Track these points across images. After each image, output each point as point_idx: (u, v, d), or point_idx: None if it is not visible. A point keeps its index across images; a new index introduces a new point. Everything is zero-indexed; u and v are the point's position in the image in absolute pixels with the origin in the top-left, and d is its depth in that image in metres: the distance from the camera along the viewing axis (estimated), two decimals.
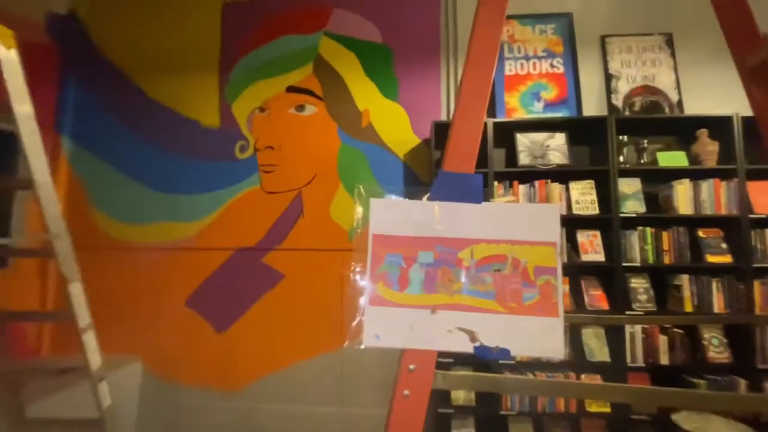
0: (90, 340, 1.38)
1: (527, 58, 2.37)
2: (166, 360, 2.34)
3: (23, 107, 1.24)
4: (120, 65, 2.63)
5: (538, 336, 0.43)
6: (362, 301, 0.47)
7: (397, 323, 0.45)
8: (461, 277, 0.45)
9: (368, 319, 0.46)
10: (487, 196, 1.98)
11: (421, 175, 2.37)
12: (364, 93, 2.45)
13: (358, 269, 0.48)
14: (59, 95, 2.59)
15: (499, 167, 2.22)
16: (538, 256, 0.46)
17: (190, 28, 2.62)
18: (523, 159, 2.14)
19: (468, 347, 0.44)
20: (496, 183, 2.06)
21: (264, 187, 2.45)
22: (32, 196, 1.26)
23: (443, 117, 2.39)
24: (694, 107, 2.23)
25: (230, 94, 2.54)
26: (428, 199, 0.48)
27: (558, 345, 0.44)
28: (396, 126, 2.41)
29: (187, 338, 2.35)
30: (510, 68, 2.36)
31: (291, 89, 2.50)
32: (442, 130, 2.17)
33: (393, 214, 0.47)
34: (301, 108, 2.48)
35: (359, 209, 0.49)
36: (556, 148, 2.15)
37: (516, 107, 2.32)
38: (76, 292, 1.34)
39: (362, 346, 0.46)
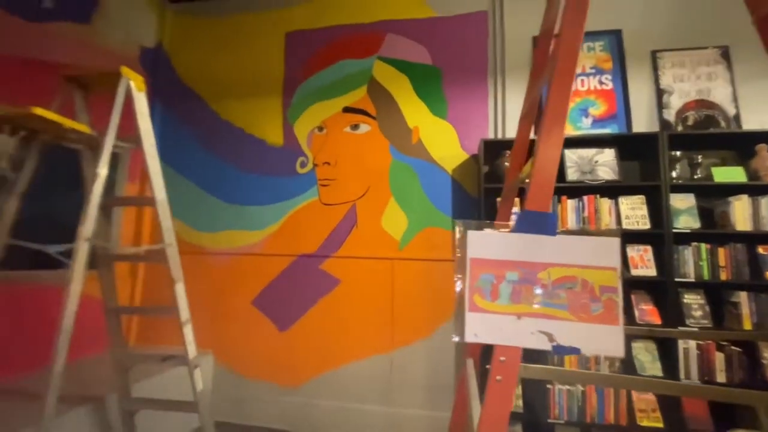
0: (188, 332, 1.62)
1: (575, 75, 2.43)
2: (234, 354, 2.61)
3: (149, 139, 1.50)
4: (197, 90, 2.98)
5: (602, 339, 0.56)
6: (464, 306, 0.61)
7: (490, 325, 0.59)
8: (540, 292, 0.59)
9: (468, 321, 0.60)
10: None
11: (469, 188, 2.49)
12: (415, 112, 2.62)
13: (458, 283, 0.63)
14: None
15: None
16: (602, 278, 0.58)
17: (257, 56, 2.92)
18: (572, 174, 2.20)
19: (547, 345, 0.58)
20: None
21: (322, 200, 2.68)
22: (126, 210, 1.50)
23: (490, 134, 2.50)
24: (752, 121, 2.20)
25: (292, 115, 2.80)
26: (512, 231, 0.61)
27: (618, 346, 0.56)
28: (445, 142, 2.56)
29: (253, 335, 2.61)
30: None
31: (347, 110, 2.72)
32: (489, 147, 2.29)
33: (486, 243, 0.61)
34: (355, 127, 2.69)
35: (457, 237, 0.64)
36: (604, 163, 2.20)
37: None
38: (180, 291, 1.59)
39: (465, 341, 0.60)
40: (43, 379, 1.09)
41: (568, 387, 2.03)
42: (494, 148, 2.30)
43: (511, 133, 2.45)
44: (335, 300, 2.56)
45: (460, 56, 2.61)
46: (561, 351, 0.57)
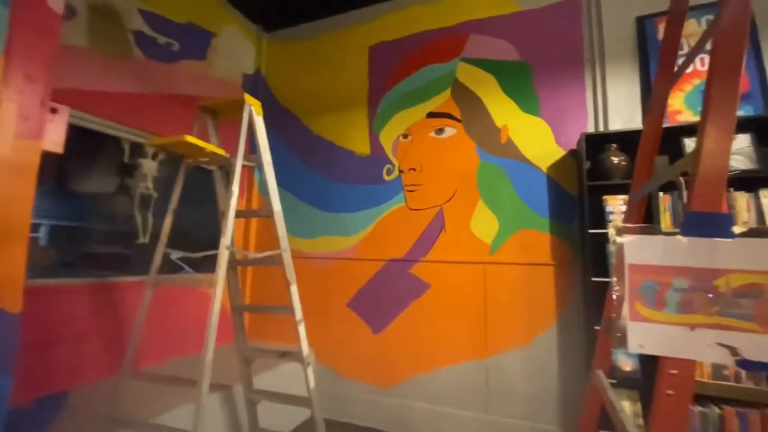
0: (302, 330, 1.76)
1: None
2: (332, 353, 2.77)
3: (267, 157, 1.69)
4: (291, 108, 3.25)
5: None
6: (623, 315, 0.57)
7: (658, 336, 0.55)
8: (718, 301, 0.53)
9: (632, 331, 0.56)
10: (652, 208, 1.86)
11: (567, 186, 2.33)
12: (503, 110, 2.54)
13: (615, 289, 0.60)
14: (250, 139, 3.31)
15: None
16: None
17: (343, 72, 3.09)
18: None
19: (728, 360, 0.51)
20: (661, 194, 1.92)
21: (408, 205, 2.73)
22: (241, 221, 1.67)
23: (591, 128, 2.32)
24: None
25: (377, 125, 2.91)
26: (681, 233, 0.56)
27: None
28: (537, 140, 2.43)
29: (349, 336, 2.75)
30: None
31: (431, 115, 2.74)
32: (592, 142, 2.12)
33: (646, 248, 0.57)
34: (440, 131, 2.69)
35: (613, 245, 0.61)
36: (738, 151, 1.90)
37: (680, 109, 2.12)
38: (294, 292, 1.74)
39: (629, 351, 0.57)
40: (180, 366, 1.28)
41: (700, 408, 1.78)
42: (597, 143, 2.12)
43: (616, 125, 2.24)
44: (426, 304, 2.58)
45: (551, 49, 2.47)
46: (749, 366, 0.51)
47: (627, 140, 2.06)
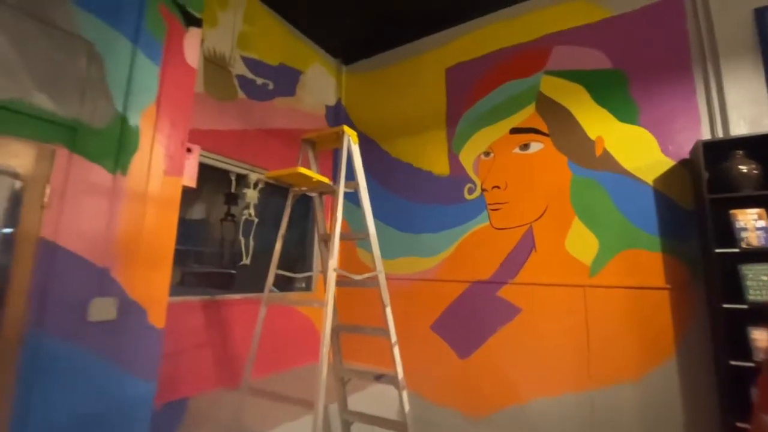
0: (397, 353, 1.75)
1: None
2: (418, 377, 2.72)
3: (363, 182, 1.76)
4: (371, 135, 3.38)
5: None
6: None
7: None
8: None
9: None
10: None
11: (680, 200, 2.09)
12: (596, 121, 2.38)
13: None
14: (334, 163, 3.51)
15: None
16: None
17: (421, 95, 3.16)
18: None
19: None
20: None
21: (493, 224, 2.64)
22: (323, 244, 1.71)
23: (706, 134, 2.07)
24: None
25: (457, 145, 2.90)
26: None
27: None
28: (639, 150, 2.23)
29: (434, 360, 2.68)
30: None
31: (514, 131, 2.66)
32: (710, 149, 1.89)
33: None
34: (525, 147, 2.60)
35: None
36: None
37: None
38: (389, 314, 1.75)
39: None
40: (281, 381, 1.32)
41: None
42: (716, 150, 1.88)
43: (739, 129, 1.98)
44: (517, 329, 2.43)
45: (650, 52, 2.28)
46: None
47: (755, 145, 1.80)
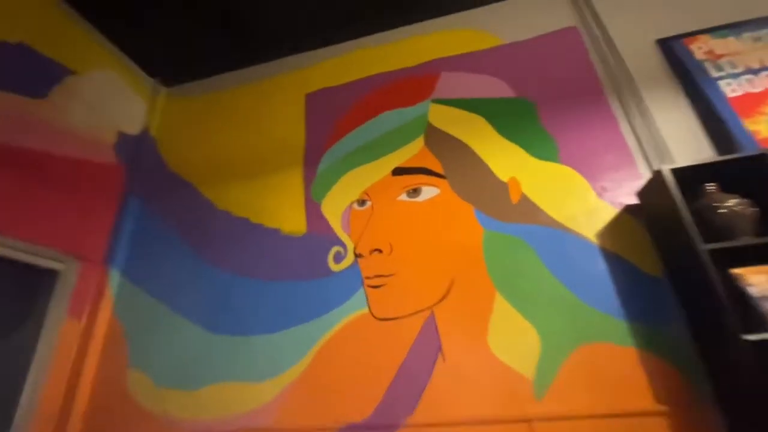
0: None
1: (753, 72, 1.57)
2: None
3: None
4: (188, 177, 2.18)
5: None
6: None
7: None
8: None
9: None
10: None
11: (640, 262, 1.39)
12: (505, 158, 1.71)
13: None
14: (117, 221, 2.11)
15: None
16: None
17: (270, 127, 2.20)
18: None
19: None
20: None
21: (374, 311, 1.57)
22: None
23: (644, 171, 1.52)
24: None
25: (318, 190, 1.91)
26: None
27: None
28: (568, 194, 1.57)
29: None
30: (732, 89, 1.56)
31: (398, 171, 1.83)
32: (657, 188, 1.27)
33: None
34: (414, 192, 1.75)
35: None
36: None
37: None
38: None
39: None
40: None
41: None
42: (683, 183, 1.28)
43: (683, 160, 1.46)
44: None
45: (556, 82, 1.82)
46: None
47: (731, 174, 1.26)
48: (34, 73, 1.83)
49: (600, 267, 1.41)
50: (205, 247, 1.94)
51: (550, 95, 1.80)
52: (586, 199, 1.54)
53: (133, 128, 2.35)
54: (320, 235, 1.79)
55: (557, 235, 1.50)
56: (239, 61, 2.43)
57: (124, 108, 2.32)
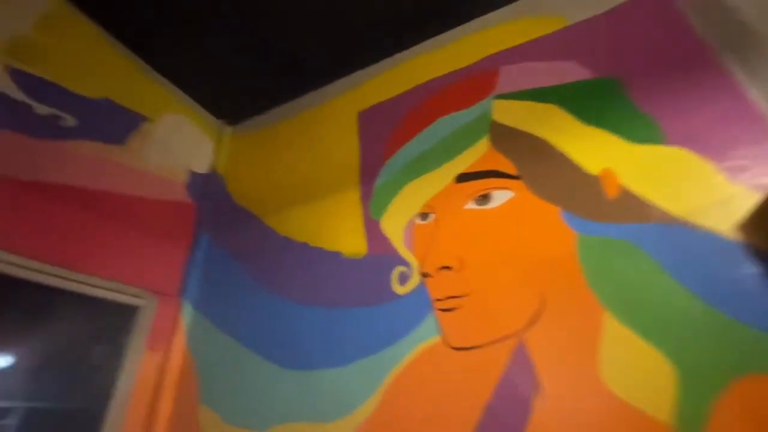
0: None
1: None
2: None
3: None
4: (253, 209, 2.21)
5: None
6: None
7: None
8: None
9: None
10: None
11: None
12: (592, 148, 1.43)
13: None
14: (189, 256, 2.18)
15: None
16: None
17: (325, 150, 2.16)
18: None
19: None
20: None
21: (449, 339, 1.35)
22: None
23: None
24: None
25: (376, 208, 1.79)
26: None
27: None
28: (683, 181, 1.24)
29: None
30: None
31: (463, 178, 1.63)
32: None
33: None
34: (484, 199, 1.54)
35: None
36: None
37: None
38: None
39: None
40: None
41: None
42: None
43: None
44: None
45: (643, 53, 1.52)
46: None
47: None
48: (115, 123, 2.00)
49: (745, 270, 1.06)
50: (268, 277, 1.90)
51: (639, 70, 1.50)
52: (711, 184, 1.20)
53: (202, 167, 2.48)
54: (382, 255, 1.64)
55: (677, 232, 1.17)
56: (293, 91, 2.48)
57: (194, 148, 2.46)
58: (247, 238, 2.12)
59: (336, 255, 1.76)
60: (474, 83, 1.86)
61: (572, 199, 1.38)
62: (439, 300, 1.43)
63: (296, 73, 2.36)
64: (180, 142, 2.36)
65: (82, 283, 1.68)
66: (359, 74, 2.31)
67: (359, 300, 1.58)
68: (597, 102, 1.51)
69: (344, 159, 2.04)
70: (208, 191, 2.39)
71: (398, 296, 1.52)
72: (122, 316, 1.82)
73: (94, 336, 1.80)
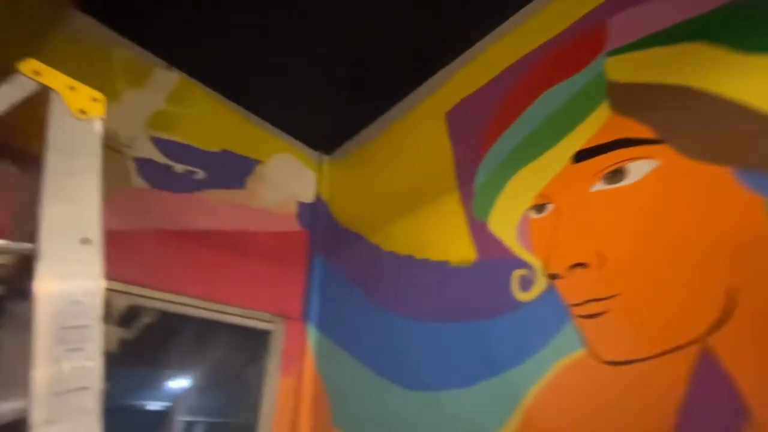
0: None
1: None
2: None
3: None
4: (358, 229, 2.25)
5: None
6: None
7: None
8: None
9: None
10: None
11: None
12: (766, 80, 1.05)
13: None
14: (307, 280, 2.32)
15: None
16: None
17: (416, 158, 2.10)
18: None
19: None
20: None
21: (597, 352, 1.10)
22: None
23: None
24: None
25: (480, 208, 1.62)
26: None
27: None
28: None
29: None
30: None
31: (582, 156, 1.37)
32: None
33: None
34: (616, 176, 1.25)
35: None
36: None
37: None
38: None
39: None
40: None
41: None
42: None
43: None
44: None
45: None
46: None
47: None
48: (234, 170, 2.27)
49: None
50: (380, 294, 1.88)
51: None
52: None
53: (309, 197, 2.65)
54: (494, 259, 1.46)
55: None
56: (378, 109, 2.49)
57: (299, 181, 2.65)
58: (356, 258, 2.15)
59: (443, 264, 1.64)
60: (578, 45, 1.58)
61: (749, 152, 1.01)
62: (577, 305, 1.19)
63: (377, 90, 2.37)
64: (287, 177, 2.57)
65: (229, 314, 1.91)
66: (439, 75, 2.20)
67: (474, 312, 1.43)
68: (761, 22, 1.12)
69: (438, 163, 1.93)
70: (316, 218, 2.53)
71: (522, 304, 1.31)
72: (257, 341, 2.00)
73: (243, 360, 2.01)
